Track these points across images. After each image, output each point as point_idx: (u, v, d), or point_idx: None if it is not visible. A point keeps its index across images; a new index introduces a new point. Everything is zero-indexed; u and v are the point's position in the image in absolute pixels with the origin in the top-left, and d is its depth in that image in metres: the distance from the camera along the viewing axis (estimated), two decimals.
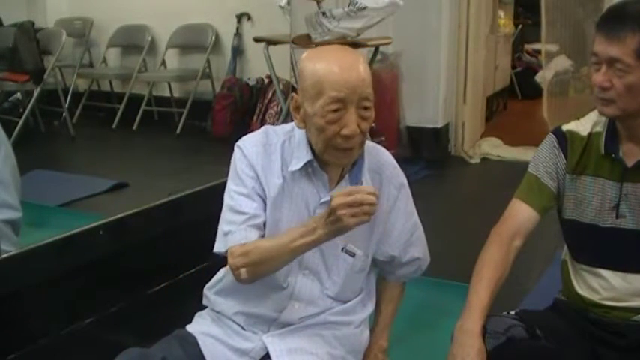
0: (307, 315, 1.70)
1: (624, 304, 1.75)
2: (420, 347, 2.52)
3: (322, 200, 1.65)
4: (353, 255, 1.69)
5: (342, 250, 1.68)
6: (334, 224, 1.48)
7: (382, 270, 1.84)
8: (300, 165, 1.64)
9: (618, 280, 1.75)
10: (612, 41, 1.60)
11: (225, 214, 1.67)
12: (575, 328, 1.79)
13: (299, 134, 1.66)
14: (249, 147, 1.69)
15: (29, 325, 1.76)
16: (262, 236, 1.64)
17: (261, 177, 1.66)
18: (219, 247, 1.66)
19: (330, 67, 1.55)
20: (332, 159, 1.61)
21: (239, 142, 1.72)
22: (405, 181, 1.77)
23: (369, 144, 1.75)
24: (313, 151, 1.64)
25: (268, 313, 1.69)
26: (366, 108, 1.57)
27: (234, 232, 1.63)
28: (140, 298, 1.76)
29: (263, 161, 1.67)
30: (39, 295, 1.79)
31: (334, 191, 1.62)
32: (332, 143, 1.57)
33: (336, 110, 1.54)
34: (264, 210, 1.66)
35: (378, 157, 1.74)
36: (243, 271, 1.59)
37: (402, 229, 1.76)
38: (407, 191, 1.77)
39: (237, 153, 1.70)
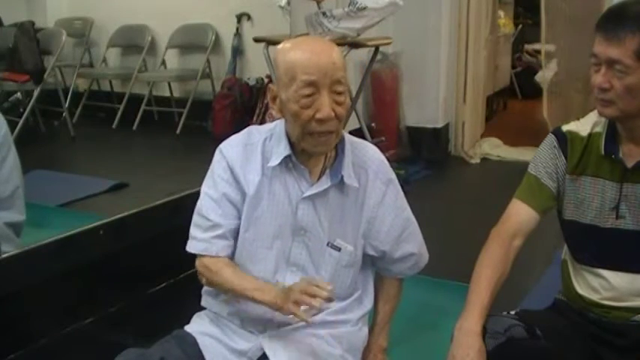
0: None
1: (625, 304, 1.75)
2: (420, 347, 2.52)
3: (305, 194, 1.66)
4: (338, 250, 1.70)
5: (328, 245, 1.69)
6: (282, 300, 1.54)
7: (377, 267, 1.84)
8: (279, 160, 1.65)
9: (619, 280, 1.75)
10: (612, 42, 1.60)
11: (195, 214, 1.73)
12: (575, 328, 1.79)
13: (279, 131, 1.68)
14: (229, 148, 1.72)
15: (29, 325, 1.76)
16: (229, 245, 1.69)
17: (240, 176, 1.68)
18: (187, 246, 1.73)
19: (302, 53, 1.58)
20: (309, 146, 1.62)
21: (221, 145, 1.74)
22: (394, 176, 1.78)
23: (355, 140, 1.76)
24: (292, 146, 1.65)
25: (263, 314, 1.69)
26: (339, 93, 1.59)
27: (198, 241, 1.70)
28: (140, 298, 1.76)
29: (242, 161, 1.69)
30: (39, 295, 1.79)
31: (314, 189, 1.64)
32: (307, 129, 1.58)
33: (309, 95, 1.56)
34: (236, 216, 1.69)
35: (364, 152, 1.75)
36: (203, 280, 1.72)
37: (392, 224, 1.75)
38: (395, 186, 1.77)
39: (217, 155, 1.73)
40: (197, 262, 1.70)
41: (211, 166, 1.73)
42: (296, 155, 1.66)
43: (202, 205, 1.71)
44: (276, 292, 1.58)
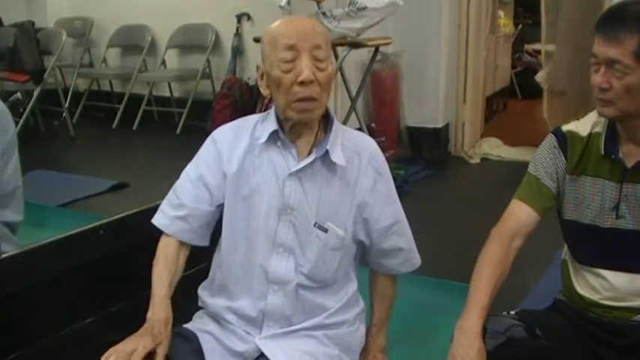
0: (292, 302, 1.69)
1: (625, 304, 1.75)
2: (420, 347, 2.51)
3: (291, 170, 1.66)
4: (325, 231, 1.69)
5: (315, 225, 1.68)
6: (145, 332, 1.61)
7: (369, 261, 1.84)
8: (267, 136, 1.68)
9: (619, 280, 1.75)
10: (611, 42, 1.60)
11: (170, 190, 1.78)
12: (575, 328, 1.80)
13: (271, 114, 1.71)
14: (221, 133, 1.77)
15: (29, 325, 1.76)
16: (187, 230, 1.73)
17: (225, 158, 1.71)
18: (154, 217, 1.78)
19: (284, 25, 1.65)
20: (294, 114, 1.63)
21: (214, 131, 1.78)
22: (387, 170, 1.78)
23: (350, 129, 1.80)
24: (281, 124, 1.68)
25: (256, 313, 1.69)
26: (320, 60, 1.62)
27: (163, 215, 1.76)
28: (140, 298, 1.75)
29: (231, 142, 1.73)
30: (39, 295, 1.79)
31: (301, 164, 1.66)
32: (291, 95, 1.61)
33: (290, 60, 1.60)
34: (208, 202, 1.72)
35: (357, 139, 1.76)
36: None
37: (382, 212, 1.75)
38: (388, 179, 1.78)
39: (208, 139, 1.78)
40: (161, 239, 1.76)
41: (199, 150, 1.78)
42: (284, 133, 1.68)
43: (179, 182, 1.77)
44: (153, 323, 1.63)
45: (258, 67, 1.69)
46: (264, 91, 1.68)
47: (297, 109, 1.62)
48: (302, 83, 1.59)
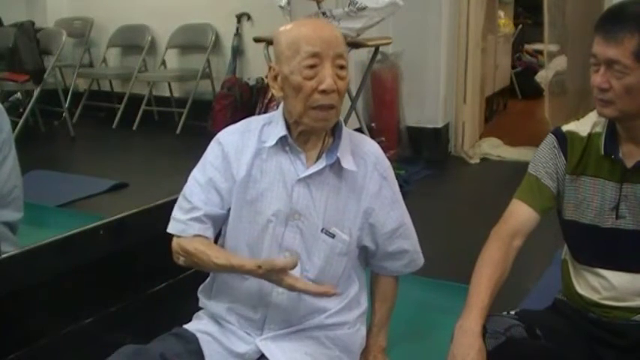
0: (294, 305, 1.69)
1: (625, 303, 1.75)
2: (420, 347, 2.52)
3: (300, 176, 1.66)
4: (332, 236, 1.69)
5: (322, 231, 1.68)
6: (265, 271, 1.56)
7: (372, 265, 1.84)
8: (275, 140, 1.66)
9: (619, 280, 1.75)
10: (610, 42, 1.60)
11: (180, 196, 1.75)
12: (575, 328, 1.80)
13: (278, 116, 1.70)
14: (226, 135, 1.74)
15: (29, 325, 1.76)
16: (206, 228, 1.69)
17: (233, 162, 1.69)
18: (168, 227, 1.73)
19: (306, 29, 1.62)
20: (311, 121, 1.62)
21: (218, 133, 1.76)
22: (392, 172, 1.78)
23: (354, 132, 1.78)
24: (289, 129, 1.66)
25: (258, 316, 1.69)
26: (341, 67, 1.61)
27: (177, 222, 1.71)
28: (140, 298, 1.76)
29: (238, 147, 1.70)
30: (39, 295, 1.79)
31: (310, 170, 1.65)
32: (310, 102, 1.59)
33: (312, 66, 1.58)
34: (219, 204, 1.70)
35: (363, 144, 1.76)
36: (182, 259, 1.69)
37: (387, 216, 1.75)
38: (393, 182, 1.77)
39: (212, 142, 1.75)
40: (173, 242, 1.70)
41: (205, 153, 1.75)
42: (292, 138, 1.67)
43: (187, 187, 1.73)
44: (255, 260, 1.59)
45: (271, 68, 1.67)
46: (277, 93, 1.66)
47: (315, 117, 1.61)
48: (324, 91, 1.58)
